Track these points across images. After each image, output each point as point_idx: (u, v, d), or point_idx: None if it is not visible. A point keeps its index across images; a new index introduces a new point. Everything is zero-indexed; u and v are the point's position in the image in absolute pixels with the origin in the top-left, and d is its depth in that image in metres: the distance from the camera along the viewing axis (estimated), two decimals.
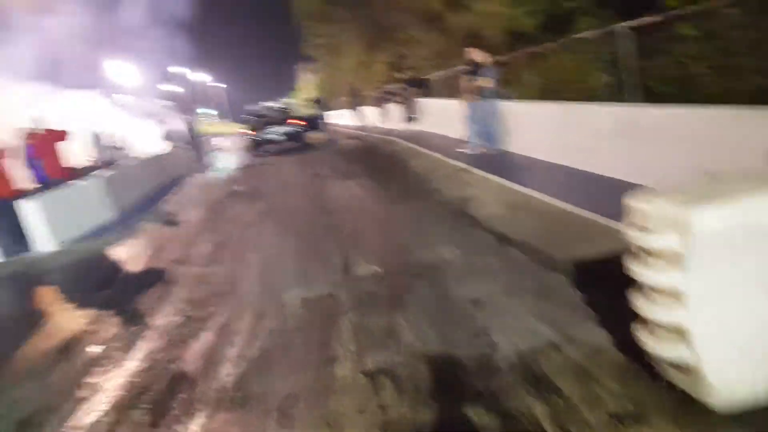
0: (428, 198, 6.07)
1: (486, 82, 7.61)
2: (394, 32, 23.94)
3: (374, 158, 10.76)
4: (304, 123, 15.77)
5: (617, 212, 2.43)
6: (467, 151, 8.39)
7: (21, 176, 8.30)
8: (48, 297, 5.26)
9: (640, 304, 2.06)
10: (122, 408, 2.75)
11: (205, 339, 3.39)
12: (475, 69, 7.95)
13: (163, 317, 3.88)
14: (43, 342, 3.89)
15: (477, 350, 2.69)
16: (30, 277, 6.05)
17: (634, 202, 2.10)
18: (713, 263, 1.88)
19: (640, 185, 4.64)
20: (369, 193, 7.03)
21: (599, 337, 2.58)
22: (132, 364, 3.23)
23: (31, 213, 6.98)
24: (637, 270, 2.05)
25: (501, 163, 7.27)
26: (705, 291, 1.87)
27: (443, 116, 11.17)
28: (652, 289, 2.00)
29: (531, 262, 3.67)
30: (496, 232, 4.40)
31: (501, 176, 6.25)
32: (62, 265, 6.17)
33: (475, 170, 6.98)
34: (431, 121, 12.75)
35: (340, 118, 30.28)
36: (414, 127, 14.11)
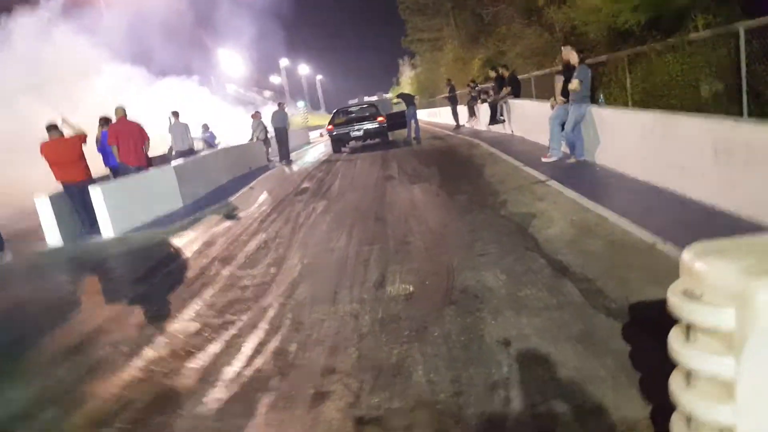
0: (492, 211, 5.67)
1: (576, 84, 7.00)
2: (495, 27, 23.32)
3: (450, 162, 10.42)
4: (384, 121, 15.78)
5: None
6: (550, 159, 7.82)
7: (95, 162, 9.05)
8: (87, 287, 5.62)
9: (681, 391, 1.63)
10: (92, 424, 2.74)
11: (207, 353, 3.34)
12: (568, 70, 7.36)
13: (181, 323, 3.91)
14: (56, 337, 4.10)
15: (487, 407, 2.35)
16: (81, 264, 6.53)
17: (688, 259, 1.67)
18: None
19: (746, 220, 4.01)
20: (431, 201, 6.75)
21: (636, 411, 2.14)
22: (125, 374, 3.24)
23: (96, 199, 7.52)
24: (679, 348, 1.62)
25: (582, 176, 6.66)
26: (762, 385, 1.42)
27: (533, 120, 10.53)
28: (696, 374, 1.56)
29: (586, 302, 3.21)
30: (554, 259, 3.95)
31: (578, 192, 5.68)
32: (115, 254, 6.60)
33: (552, 183, 6.44)
34: (521, 124, 12.11)
35: (435, 115, 30.10)
36: (502, 129, 13.52)
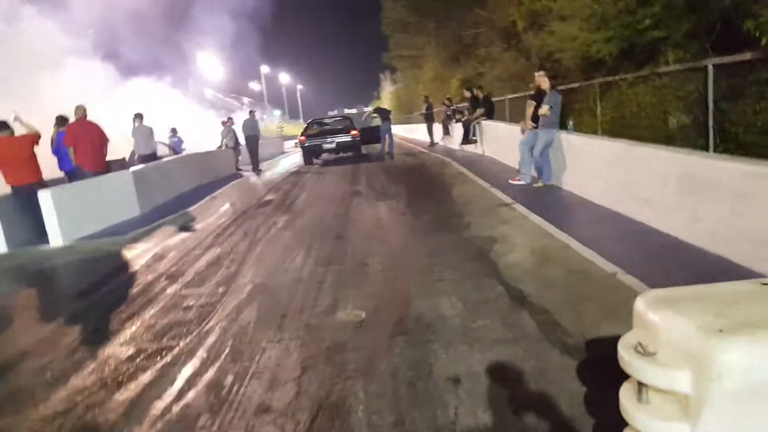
0: (456, 234, 5.51)
1: (545, 110, 6.96)
2: (474, 49, 23.56)
3: (419, 180, 10.29)
4: (357, 134, 15.63)
5: (670, 283, 1.81)
6: (518, 182, 7.76)
7: (50, 164, 8.59)
8: (21, 302, 5.23)
9: None
10: None
11: (137, 383, 3.05)
12: (539, 95, 7.34)
13: (114, 347, 3.60)
14: None
15: None
16: (19, 275, 6.11)
17: (641, 309, 1.51)
18: (738, 420, 1.26)
19: (710, 253, 3.94)
20: (396, 220, 6.57)
21: None
22: (43, 405, 2.94)
23: (44, 204, 7.10)
24: (630, 409, 1.45)
25: (548, 200, 6.60)
26: None
27: (505, 142, 10.53)
28: None
29: (541, 336, 3.04)
30: (513, 287, 3.80)
31: (543, 216, 5.60)
32: (58, 265, 6.20)
33: (518, 206, 6.36)
34: (492, 145, 12.11)
35: (411, 131, 30.17)
36: (474, 149, 13.52)
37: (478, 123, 13.05)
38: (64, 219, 7.29)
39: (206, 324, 3.82)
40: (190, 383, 2.96)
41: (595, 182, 6.14)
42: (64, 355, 3.54)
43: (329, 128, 16.70)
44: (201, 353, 3.33)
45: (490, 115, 12.76)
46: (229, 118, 16.87)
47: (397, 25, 37.50)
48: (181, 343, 3.53)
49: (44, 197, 7.18)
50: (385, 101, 49.79)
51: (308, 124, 18.29)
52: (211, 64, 49.55)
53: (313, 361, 3.05)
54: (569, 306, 3.37)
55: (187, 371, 3.11)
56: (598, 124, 7.59)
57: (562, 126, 7.50)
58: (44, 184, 7.58)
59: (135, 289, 4.84)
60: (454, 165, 11.52)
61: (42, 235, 7.27)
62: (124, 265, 5.84)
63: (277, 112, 61.56)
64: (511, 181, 7.90)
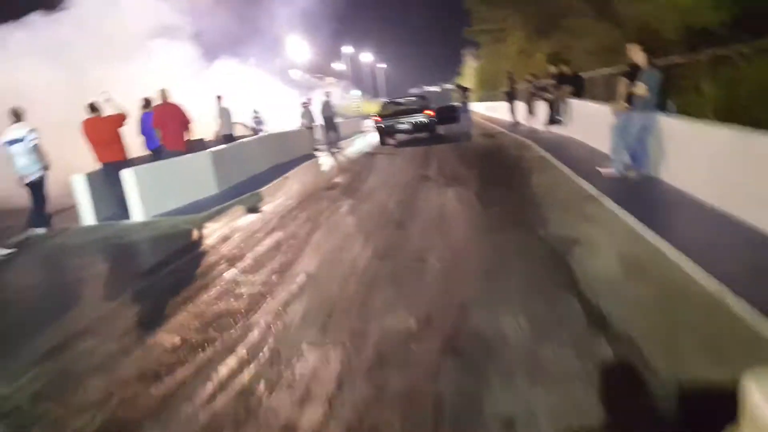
0: (530, 231, 4.92)
1: (641, 89, 6.06)
2: (561, 19, 21.86)
3: (495, 164, 9.61)
4: (433, 114, 14.99)
5: None
6: (607, 170, 6.91)
7: (136, 143, 8.90)
8: (97, 274, 5.36)
9: None
10: None
11: (172, 379, 2.89)
12: (634, 72, 6.41)
13: (160, 334, 3.50)
14: (25, 339, 3.78)
15: None
16: (99, 248, 6.33)
17: (753, 395, 0.99)
18: None
19: None
20: (463, 211, 6.05)
21: None
22: (79, 395, 2.85)
23: (128, 182, 7.33)
24: None
25: (642, 195, 5.76)
26: None
27: (594, 123, 9.53)
28: None
29: (622, 372, 2.49)
30: (592, 305, 3.22)
31: (634, 215, 4.83)
32: (133, 241, 6.37)
33: (606, 200, 5.60)
34: (579, 126, 11.06)
35: (493, 110, 28.94)
36: (559, 130, 12.48)
37: (564, 102, 11.98)
38: (145, 196, 7.53)
39: (252, 316, 3.62)
40: (221, 386, 2.75)
41: (701, 175, 5.23)
42: (112, 340, 3.49)
43: (404, 108, 16.19)
44: (240, 350, 3.12)
45: (578, 92, 11.66)
46: (308, 99, 16.89)
47: None
48: (224, 336, 3.35)
49: (127, 176, 7.43)
50: (467, 78, 48.17)
51: (383, 104, 17.91)
52: (297, 45, 50.37)
53: (350, 376, 2.72)
54: (660, 335, 2.76)
55: (222, 371, 2.90)
56: (707, 106, 6.51)
57: (662, 107, 6.52)
58: (130, 163, 7.85)
59: (196, 271, 4.79)
60: (535, 148, 10.67)
61: (126, 210, 7.56)
62: (191, 244, 5.86)
63: (356, 92, 61.83)
64: (600, 170, 7.06)
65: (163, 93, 8.59)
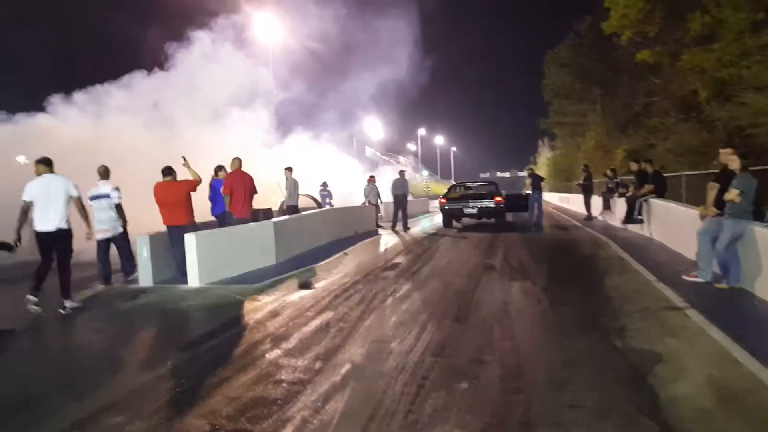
0: (603, 340, 4.48)
1: (734, 195, 5.65)
2: (646, 118, 21.65)
3: (566, 260, 9.14)
4: (501, 201, 14.80)
5: None
6: (693, 278, 6.37)
7: (205, 208, 9.29)
8: (140, 341, 5.38)
9: None
10: None
11: None
12: (726, 177, 6.04)
13: (191, 418, 3.33)
14: (79, 401, 3.73)
15: None
16: (148, 313, 6.41)
17: None
18: None
19: None
20: (528, 309, 5.67)
21: None
22: None
23: (189, 246, 7.55)
24: None
25: (735, 310, 5.20)
26: None
27: (678, 225, 9.00)
28: None
29: None
30: None
31: (726, 332, 4.33)
32: (184, 308, 6.43)
33: (692, 312, 5.07)
34: (662, 228, 10.47)
35: (566, 201, 28.44)
36: (639, 230, 11.87)
37: (645, 200, 11.47)
38: (203, 262, 7.69)
39: (289, 408, 3.39)
40: None
41: None
42: (141, 418, 3.35)
43: (472, 192, 16.16)
44: None
45: (660, 192, 11.15)
46: (372, 176, 17.30)
47: (558, 92, 36.50)
48: (256, 429, 3.13)
49: (189, 240, 7.66)
50: (542, 167, 48.17)
51: (451, 186, 18.00)
52: (372, 123, 52.95)
53: None
54: None
55: None
56: None
57: (757, 216, 6.03)
58: (196, 227, 8.15)
59: (239, 349, 4.67)
60: (612, 247, 10.13)
61: (185, 274, 7.74)
62: (239, 318, 5.80)
63: (425, 173, 63.25)
64: (685, 277, 6.52)
65: (236, 162, 9.06)
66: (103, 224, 7.83)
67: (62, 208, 6.30)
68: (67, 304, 6.38)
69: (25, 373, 4.52)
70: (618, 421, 3.02)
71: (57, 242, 6.31)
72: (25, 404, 3.66)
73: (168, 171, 8.21)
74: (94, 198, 7.88)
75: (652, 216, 11.11)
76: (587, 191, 17.77)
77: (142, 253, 7.98)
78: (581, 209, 18.46)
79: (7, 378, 4.39)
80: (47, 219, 6.23)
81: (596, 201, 17.40)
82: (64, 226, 6.31)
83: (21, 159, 15.48)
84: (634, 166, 12.60)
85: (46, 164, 6.41)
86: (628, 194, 12.98)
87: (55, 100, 17.37)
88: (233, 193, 8.86)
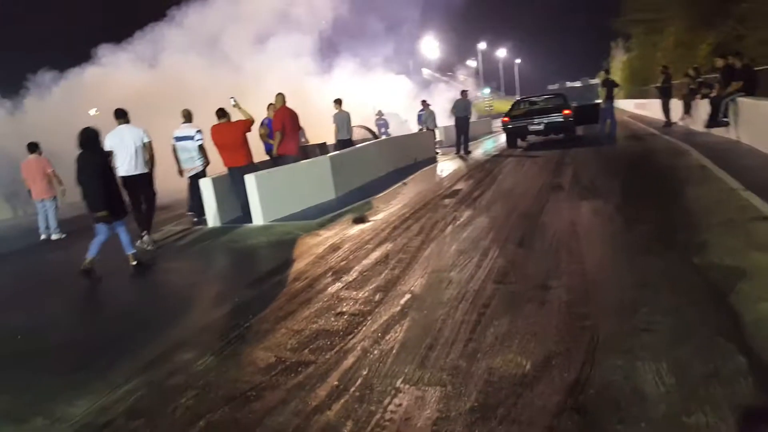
0: (682, 257, 4.18)
1: None
2: (734, 4, 19.21)
3: (642, 173, 8.56)
4: (570, 113, 13.91)
5: None
6: None
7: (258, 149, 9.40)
8: (207, 281, 5.66)
9: None
10: None
11: (261, 404, 2.83)
12: None
13: (257, 351, 3.51)
14: (152, 340, 4.00)
15: None
16: (216, 251, 6.74)
17: None
18: None
19: None
20: (599, 229, 5.40)
21: None
22: (164, 412, 2.90)
23: (250, 187, 7.74)
24: None
25: None
26: None
27: None
28: None
29: None
30: (761, 362, 2.56)
31: None
32: (250, 246, 6.72)
33: None
34: (752, 130, 9.50)
35: (642, 107, 26.52)
36: (725, 133, 10.87)
37: (732, 100, 10.37)
38: (265, 201, 7.89)
39: (350, 340, 3.48)
40: (306, 419, 2.61)
41: None
42: (210, 353, 3.55)
43: (538, 107, 15.28)
44: (332, 380, 2.97)
45: (750, 89, 10.02)
46: (424, 101, 16.73)
47: None
48: (319, 360, 3.25)
49: (250, 181, 7.85)
50: (615, 72, 44.70)
51: (514, 103, 17.13)
52: (427, 42, 50.72)
53: (446, 429, 2.42)
54: None
55: (311, 401, 2.77)
56: None
57: None
58: (255, 167, 8.31)
59: (301, 284, 4.81)
60: (693, 154, 9.37)
61: (248, 213, 8.01)
62: (302, 253, 5.95)
63: (486, 90, 60.40)
64: None
65: (280, 98, 9.02)
66: (188, 163, 8.52)
67: (138, 154, 7.03)
68: (145, 238, 7.15)
69: (108, 312, 4.97)
70: (695, 344, 2.83)
71: (139, 184, 7.09)
72: (109, 342, 3.99)
73: (222, 113, 8.29)
74: (179, 139, 8.47)
75: (740, 117, 10.08)
76: (666, 94, 16.37)
77: (208, 195, 8.29)
78: (659, 115, 17.14)
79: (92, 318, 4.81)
80: (127, 165, 7.00)
81: (676, 105, 16.04)
82: (142, 170, 7.09)
83: (92, 111, 16.29)
84: (719, 62, 11.31)
85: (117, 116, 7.12)
86: (712, 94, 11.80)
87: (105, 52, 17.85)
88: (286, 130, 8.87)
